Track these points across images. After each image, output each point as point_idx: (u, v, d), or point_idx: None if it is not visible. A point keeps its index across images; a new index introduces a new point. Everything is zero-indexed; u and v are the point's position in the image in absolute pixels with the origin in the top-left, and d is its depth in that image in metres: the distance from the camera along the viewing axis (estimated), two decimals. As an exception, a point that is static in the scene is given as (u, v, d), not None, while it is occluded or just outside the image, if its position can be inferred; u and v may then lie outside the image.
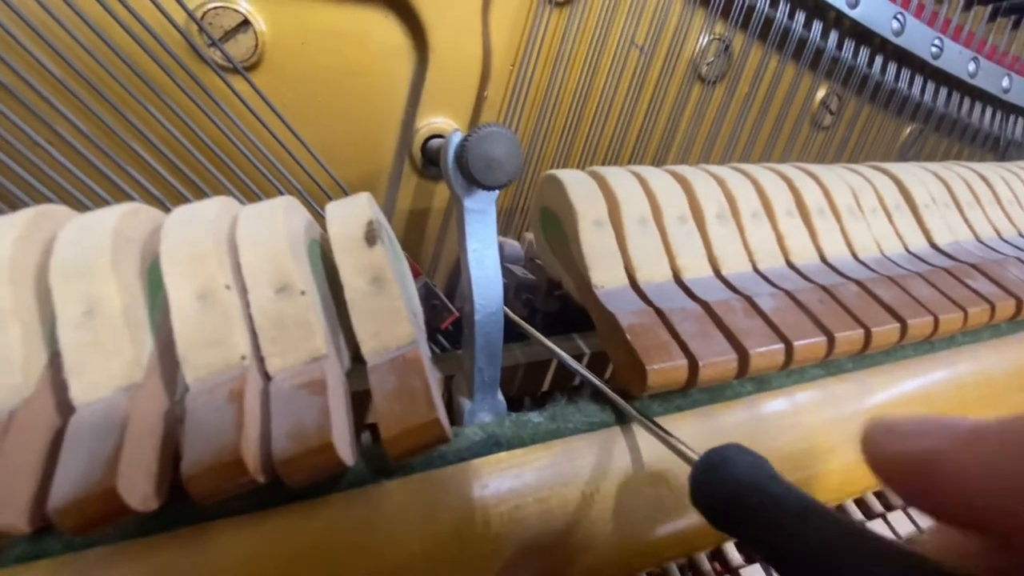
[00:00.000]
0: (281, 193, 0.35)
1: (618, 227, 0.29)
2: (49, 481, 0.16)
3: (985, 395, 0.34)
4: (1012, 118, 0.61)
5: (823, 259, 0.34)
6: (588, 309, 0.29)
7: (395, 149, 0.40)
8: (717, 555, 0.28)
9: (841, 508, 0.30)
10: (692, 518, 0.25)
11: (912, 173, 0.40)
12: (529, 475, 0.23)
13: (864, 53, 0.49)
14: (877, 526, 0.30)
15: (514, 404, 0.33)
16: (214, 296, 0.20)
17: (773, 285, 0.30)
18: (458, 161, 0.24)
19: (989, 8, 0.54)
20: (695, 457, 0.18)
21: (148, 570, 0.18)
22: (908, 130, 0.58)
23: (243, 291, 0.21)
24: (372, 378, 0.21)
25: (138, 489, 0.17)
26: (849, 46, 0.48)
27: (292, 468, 0.18)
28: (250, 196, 0.35)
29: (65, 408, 0.19)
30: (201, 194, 0.33)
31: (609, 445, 0.25)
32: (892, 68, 0.51)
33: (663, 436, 0.22)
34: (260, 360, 0.21)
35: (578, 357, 0.37)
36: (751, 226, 0.32)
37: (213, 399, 0.19)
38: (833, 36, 0.47)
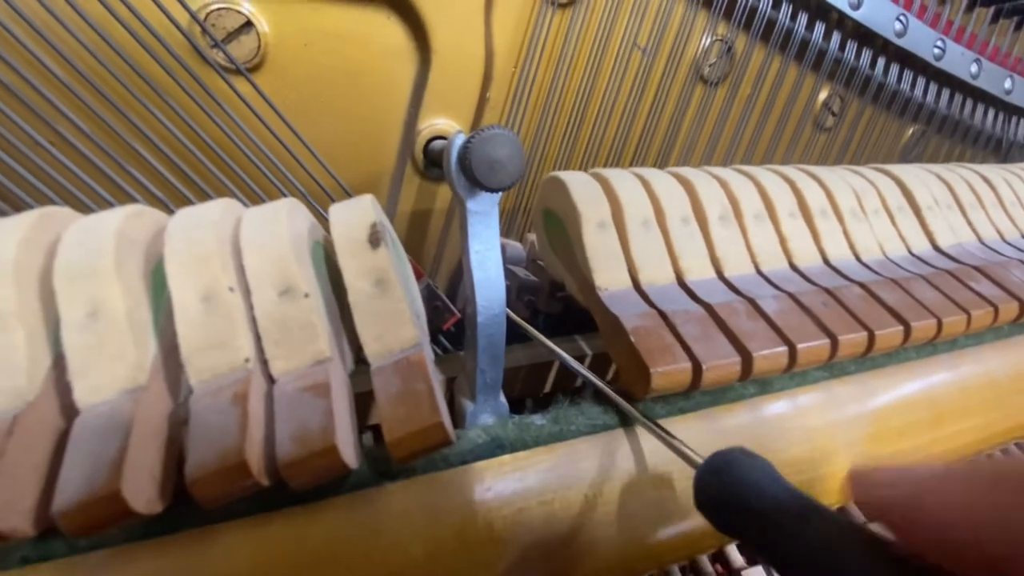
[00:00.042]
0: (284, 194, 0.35)
1: (621, 229, 0.29)
2: (53, 484, 0.16)
3: (987, 397, 0.33)
4: (1014, 119, 0.61)
5: (826, 261, 0.34)
6: (591, 311, 0.29)
7: (397, 150, 0.40)
8: (719, 557, 0.28)
9: (844, 510, 0.30)
10: (695, 520, 0.25)
11: (915, 175, 0.40)
12: (532, 478, 0.23)
13: (866, 54, 0.49)
14: (880, 528, 0.30)
15: (516, 405, 0.33)
16: (218, 298, 0.20)
17: (776, 287, 0.30)
18: (461, 163, 0.24)
19: (991, 10, 0.54)
20: (699, 460, 0.18)
21: (152, 573, 0.18)
22: (910, 132, 0.58)
23: (247, 293, 0.21)
24: (376, 381, 0.21)
25: (142, 492, 0.17)
26: (851, 47, 0.48)
27: (296, 471, 0.18)
28: (253, 198, 0.35)
29: (69, 411, 0.19)
30: (204, 196, 0.33)
31: (612, 448, 0.24)
32: (894, 69, 0.51)
33: (667, 439, 0.22)
34: (264, 363, 0.20)
35: (580, 358, 0.37)
36: (754, 228, 0.32)
37: (217, 402, 0.19)
38: (836, 37, 0.47)
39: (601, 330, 0.28)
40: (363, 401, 0.26)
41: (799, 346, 0.26)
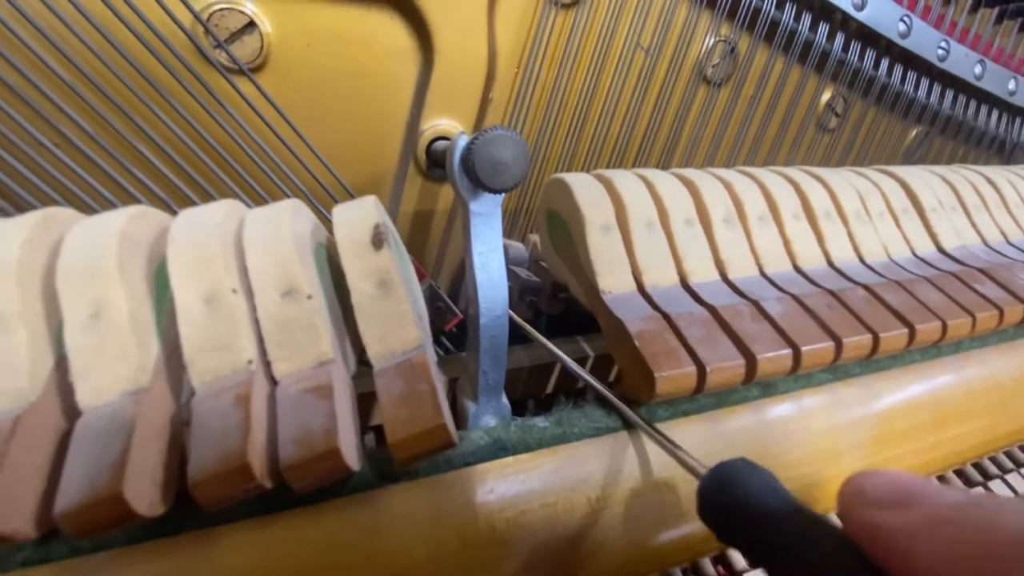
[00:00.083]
0: (286, 195, 0.35)
1: (625, 231, 0.29)
2: (55, 485, 0.16)
3: (992, 400, 0.33)
4: (1018, 121, 0.61)
5: (830, 263, 0.34)
6: (595, 314, 0.29)
7: (400, 151, 0.40)
8: (721, 559, 0.28)
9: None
10: (698, 523, 0.24)
11: (919, 176, 0.40)
12: (535, 480, 0.23)
13: (870, 55, 0.49)
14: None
15: (518, 407, 0.33)
16: (221, 300, 0.20)
17: (780, 289, 0.30)
18: (464, 164, 0.24)
19: (996, 10, 0.53)
20: (702, 470, 0.18)
21: (154, 574, 0.18)
22: (914, 133, 0.57)
23: (249, 295, 0.21)
24: (378, 382, 0.21)
25: (144, 494, 0.17)
26: (855, 48, 0.48)
27: (298, 473, 0.18)
28: (256, 198, 0.35)
29: (71, 412, 0.19)
30: (207, 197, 0.33)
31: (615, 450, 0.24)
32: (898, 70, 0.51)
33: (670, 448, 0.22)
34: (266, 364, 0.20)
35: (582, 360, 0.37)
36: (758, 230, 0.32)
37: (219, 404, 0.18)
38: (839, 38, 0.47)
39: (605, 332, 0.28)
40: (365, 402, 0.26)
41: (803, 348, 0.26)
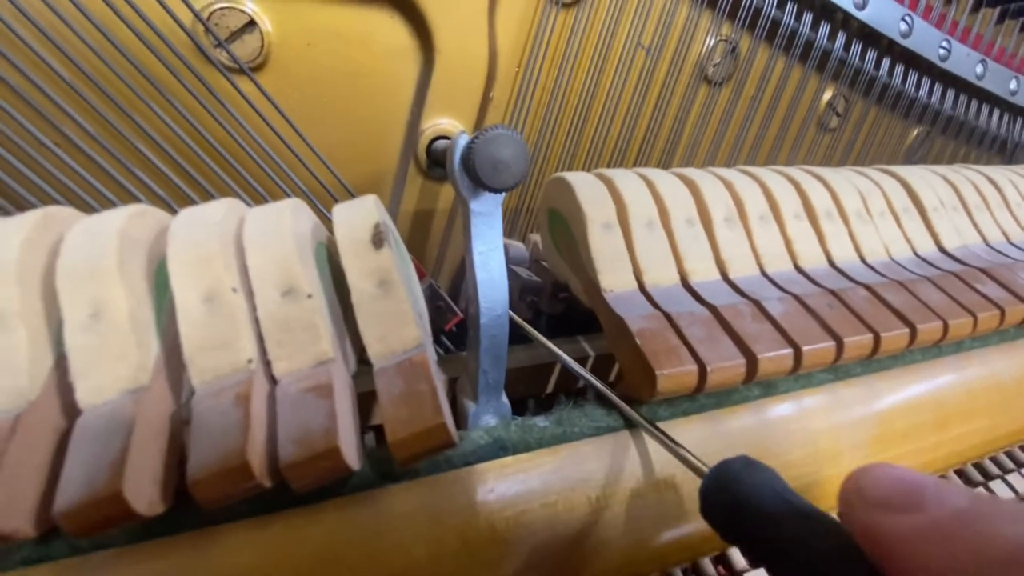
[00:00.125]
0: (287, 194, 0.35)
1: (626, 230, 0.29)
2: (55, 484, 0.16)
3: (993, 400, 0.33)
4: (1019, 121, 0.61)
5: (831, 263, 0.34)
6: (596, 312, 0.29)
7: (400, 150, 0.40)
8: (721, 559, 0.28)
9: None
10: (699, 523, 0.25)
11: (920, 176, 0.40)
12: (535, 480, 0.23)
13: (871, 55, 0.49)
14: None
15: (518, 406, 0.33)
16: (220, 299, 0.20)
17: (781, 289, 0.30)
18: (464, 163, 0.24)
19: (997, 10, 0.53)
20: (704, 468, 0.18)
21: (153, 574, 0.18)
22: (915, 132, 0.57)
23: (249, 294, 0.21)
24: (378, 382, 0.21)
25: (144, 493, 0.17)
26: (856, 48, 0.48)
27: (298, 473, 0.18)
28: (256, 198, 0.35)
29: (71, 411, 0.18)
30: (207, 196, 0.33)
31: (616, 450, 0.24)
32: (899, 70, 0.51)
33: (671, 446, 0.22)
34: (266, 363, 0.20)
35: (583, 359, 0.37)
36: (759, 229, 0.32)
37: (219, 403, 0.18)
38: (840, 38, 0.47)
39: (606, 331, 0.28)
40: (365, 402, 0.26)
41: (804, 348, 0.26)
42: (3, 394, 0.18)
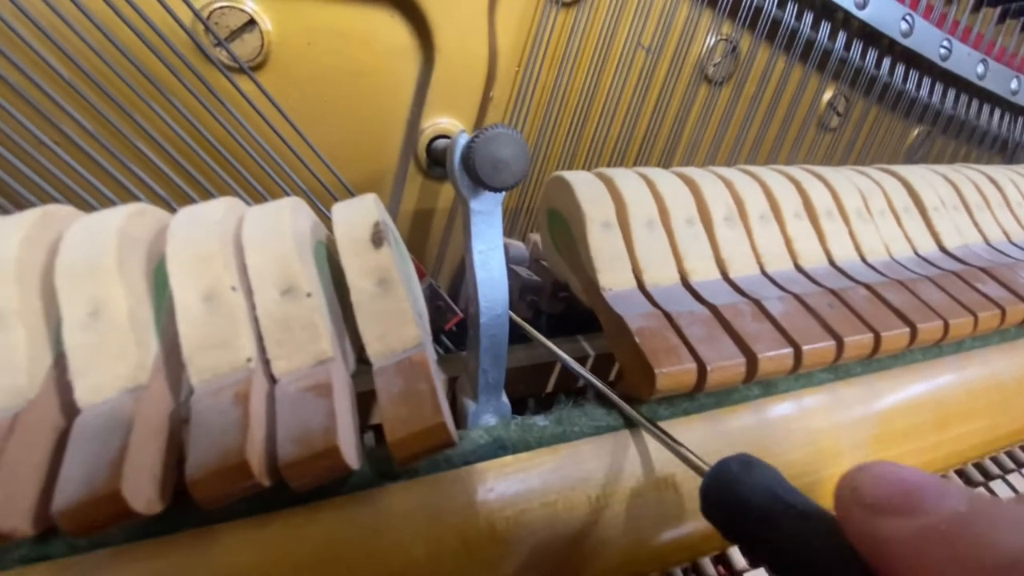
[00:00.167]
0: (287, 193, 0.35)
1: (625, 229, 0.29)
2: (53, 483, 0.16)
3: (994, 400, 0.33)
4: (1020, 120, 0.60)
5: (831, 262, 0.34)
6: (596, 311, 0.29)
7: (400, 149, 0.40)
8: (721, 559, 0.28)
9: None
10: (698, 523, 0.25)
11: (921, 175, 0.40)
12: (535, 479, 0.23)
13: (872, 54, 0.49)
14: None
15: (518, 406, 0.33)
16: (220, 297, 0.20)
17: (781, 288, 0.30)
18: (464, 163, 0.24)
19: (998, 10, 0.53)
20: (704, 466, 0.18)
21: (152, 573, 0.18)
22: (916, 132, 0.57)
23: (249, 293, 0.21)
24: (378, 381, 0.21)
25: (142, 492, 0.16)
26: (857, 47, 0.48)
27: (297, 472, 0.18)
28: (256, 196, 0.35)
29: (70, 410, 0.18)
30: (207, 194, 0.33)
31: (616, 449, 0.24)
32: (900, 69, 0.51)
33: (671, 444, 0.22)
34: (265, 362, 0.20)
35: (582, 359, 0.37)
36: (759, 228, 0.32)
37: (218, 402, 0.18)
38: (841, 37, 0.47)
39: (605, 330, 0.28)
40: (365, 401, 0.26)
41: (804, 348, 0.26)
42: (2, 393, 0.18)
